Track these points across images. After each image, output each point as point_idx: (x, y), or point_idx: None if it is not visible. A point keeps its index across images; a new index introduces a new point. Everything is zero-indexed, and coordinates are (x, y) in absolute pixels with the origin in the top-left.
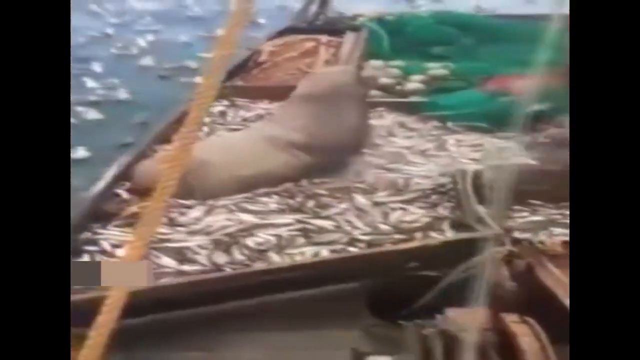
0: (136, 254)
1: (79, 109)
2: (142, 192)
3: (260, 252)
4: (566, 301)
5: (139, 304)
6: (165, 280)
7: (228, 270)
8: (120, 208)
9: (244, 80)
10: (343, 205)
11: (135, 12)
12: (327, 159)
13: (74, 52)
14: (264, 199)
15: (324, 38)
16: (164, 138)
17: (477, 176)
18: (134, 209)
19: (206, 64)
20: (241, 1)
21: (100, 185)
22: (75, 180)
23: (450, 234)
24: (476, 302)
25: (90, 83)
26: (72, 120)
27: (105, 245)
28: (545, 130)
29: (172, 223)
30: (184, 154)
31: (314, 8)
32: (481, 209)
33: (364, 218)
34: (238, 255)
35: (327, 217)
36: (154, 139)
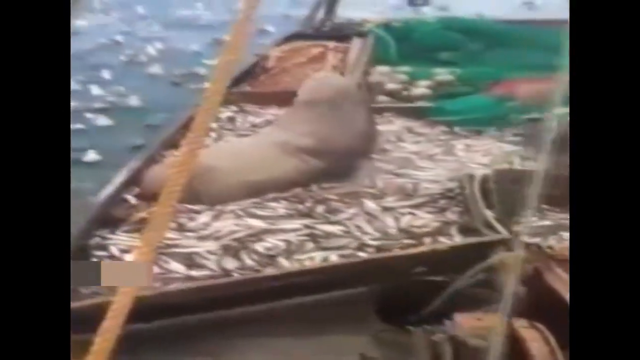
0: (144, 259)
1: (89, 115)
2: (151, 197)
3: (269, 258)
4: None
5: (146, 309)
6: (173, 286)
7: (236, 276)
8: (128, 213)
9: (251, 86)
10: (352, 210)
11: (144, 20)
12: (336, 164)
13: (84, 60)
14: (273, 204)
15: (331, 44)
16: (173, 143)
17: (484, 180)
18: (142, 214)
19: (212, 70)
20: (246, 8)
21: (109, 190)
22: (85, 184)
23: (458, 239)
24: (504, 312)
25: (99, 90)
26: (81, 126)
27: (114, 251)
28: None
29: (181, 228)
30: (190, 159)
31: (320, 15)
32: (489, 214)
33: (373, 223)
34: (247, 261)
35: (336, 222)
36: (163, 145)
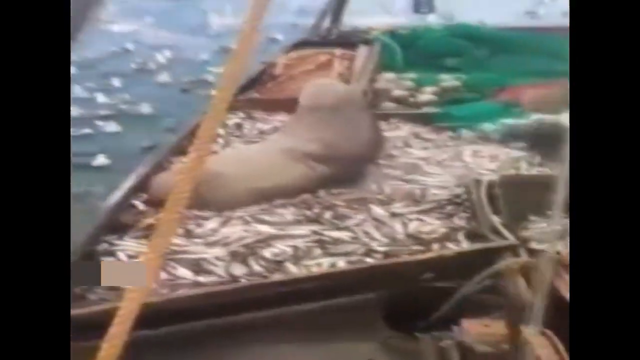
0: (151, 265)
1: (100, 123)
2: (159, 203)
3: (277, 264)
4: None
5: (154, 315)
6: (181, 292)
7: (244, 282)
8: (136, 219)
9: (259, 93)
10: (360, 216)
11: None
12: (343, 170)
13: (95, 68)
14: (281, 210)
15: (337, 51)
16: (181, 150)
17: (491, 186)
18: (150, 220)
19: (219, 78)
20: (252, 17)
21: (117, 196)
22: (95, 188)
23: (465, 245)
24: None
25: (105, 97)
26: (91, 131)
27: (122, 257)
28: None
29: (189, 234)
30: (197, 166)
31: (326, 23)
32: (496, 219)
33: (381, 229)
34: (255, 267)
35: (344, 228)
36: (171, 151)
